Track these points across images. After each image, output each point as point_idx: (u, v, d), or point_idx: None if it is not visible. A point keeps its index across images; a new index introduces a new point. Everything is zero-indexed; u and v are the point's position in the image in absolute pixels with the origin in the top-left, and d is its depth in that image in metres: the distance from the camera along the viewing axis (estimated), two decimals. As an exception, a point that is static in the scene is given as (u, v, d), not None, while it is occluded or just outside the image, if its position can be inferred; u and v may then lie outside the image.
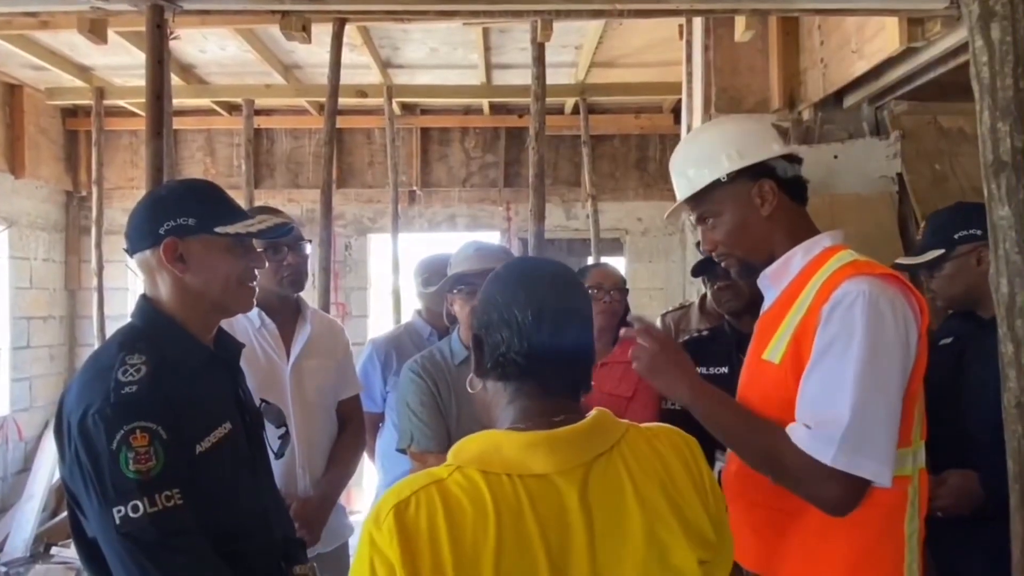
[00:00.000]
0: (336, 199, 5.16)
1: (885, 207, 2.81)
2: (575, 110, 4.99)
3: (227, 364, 1.28)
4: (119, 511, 1.00)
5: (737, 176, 1.24)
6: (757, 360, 1.23)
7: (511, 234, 5.41)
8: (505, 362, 0.85)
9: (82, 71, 4.41)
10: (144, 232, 1.18)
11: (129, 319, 1.22)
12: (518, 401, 0.86)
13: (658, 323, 2.72)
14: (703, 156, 1.29)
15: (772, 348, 1.19)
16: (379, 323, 5.41)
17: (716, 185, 1.25)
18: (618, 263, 5.90)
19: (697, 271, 2.03)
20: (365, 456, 2.18)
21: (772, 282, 1.28)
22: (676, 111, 4.94)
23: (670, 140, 5.26)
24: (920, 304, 1.14)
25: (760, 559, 1.22)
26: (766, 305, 1.31)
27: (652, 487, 0.82)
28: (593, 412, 0.86)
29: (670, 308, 2.77)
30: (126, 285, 5.10)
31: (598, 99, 4.96)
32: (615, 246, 5.53)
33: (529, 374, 0.85)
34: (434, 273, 2.24)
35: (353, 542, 1.95)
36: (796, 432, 1.09)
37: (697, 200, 1.30)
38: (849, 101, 3.04)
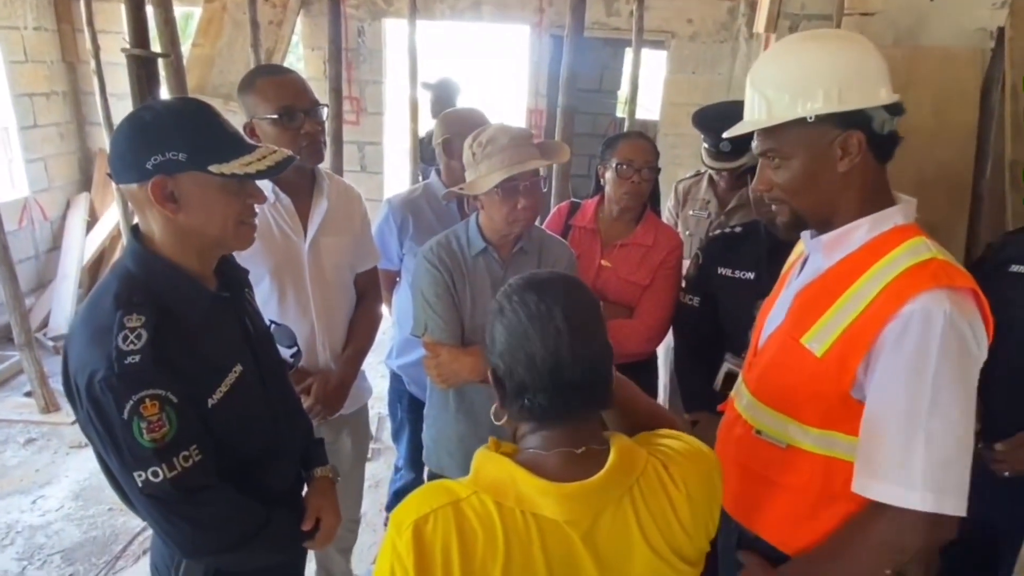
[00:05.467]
0: (347, -28, 4.58)
1: (972, 67, 2.45)
2: None
3: (232, 300, 1.22)
4: (139, 475, 1.02)
5: (826, 119, 1.05)
6: (793, 340, 1.13)
7: (542, 29, 4.87)
8: (532, 405, 0.86)
9: None
10: (129, 163, 1.05)
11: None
12: (542, 430, 0.88)
13: (671, 192, 2.58)
14: (795, 82, 1.06)
15: (815, 335, 1.09)
16: (395, 122, 5.15)
17: (797, 122, 1.06)
18: (659, 60, 5.38)
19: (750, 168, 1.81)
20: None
21: (825, 252, 1.14)
22: None
23: (739, -80, 4.46)
24: (987, 318, 1.03)
25: (740, 509, 1.26)
26: (810, 273, 1.18)
27: (657, 530, 0.84)
28: (611, 458, 0.85)
29: (687, 175, 2.61)
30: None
31: None
32: (658, 45, 5.00)
33: (552, 410, 0.86)
34: (456, 135, 2.04)
35: (376, 391, 2.08)
36: (868, 487, 1.02)
37: (767, 131, 1.11)
38: (968, -79, 2.49)
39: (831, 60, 1.06)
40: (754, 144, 1.16)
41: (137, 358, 1.00)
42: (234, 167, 1.06)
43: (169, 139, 1.03)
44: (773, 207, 1.19)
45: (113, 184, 4.34)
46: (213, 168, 1.05)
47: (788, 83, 1.07)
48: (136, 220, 1.13)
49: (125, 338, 1.00)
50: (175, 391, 1.03)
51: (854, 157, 1.06)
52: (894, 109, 1.07)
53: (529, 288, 0.86)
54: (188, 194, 1.06)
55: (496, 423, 0.92)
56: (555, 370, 0.82)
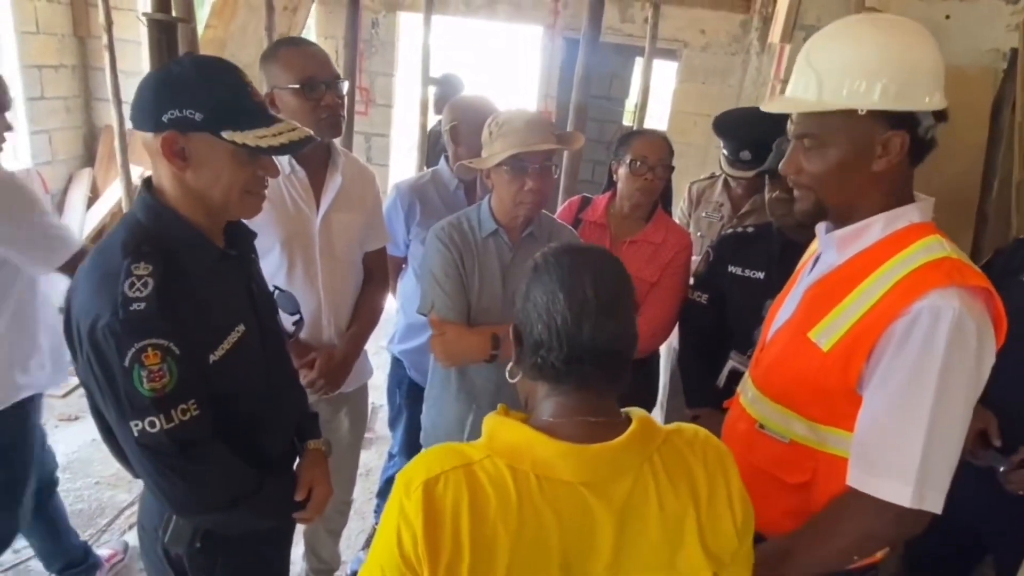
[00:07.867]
0: (365, -36, 4.59)
1: (984, 87, 2.48)
2: None
3: (239, 260, 1.21)
4: (136, 425, 1.01)
5: (876, 114, 1.01)
6: (800, 335, 1.12)
7: (556, 31, 4.89)
8: (544, 364, 0.85)
9: None
10: (147, 113, 1.04)
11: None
12: (555, 397, 0.86)
13: (684, 193, 2.59)
14: (854, 69, 1.01)
15: (823, 330, 1.08)
16: (404, 115, 5.15)
17: (846, 112, 1.02)
18: (669, 70, 5.40)
19: (766, 172, 1.79)
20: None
21: (839, 247, 1.13)
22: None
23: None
24: (1001, 319, 1.02)
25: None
26: (823, 268, 1.16)
27: (678, 505, 0.83)
28: (633, 424, 0.84)
29: (701, 176, 2.62)
30: (138, 38, 4.75)
31: None
32: (669, 56, 5.02)
33: (567, 377, 0.85)
34: (463, 122, 2.04)
35: (372, 380, 2.07)
36: (864, 482, 1.02)
37: (811, 114, 1.07)
38: (987, -58, 2.51)
39: (896, 54, 1.01)
40: (790, 125, 1.13)
41: (142, 305, 0.98)
42: (248, 137, 1.05)
43: (189, 96, 1.02)
44: (796, 192, 1.15)
45: (117, 161, 4.31)
46: (226, 134, 1.04)
47: (847, 68, 1.02)
48: (149, 173, 1.13)
49: (131, 285, 0.99)
50: (178, 343, 1.02)
51: (892, 158, 1.04)
52: (941, 115, 1.04)
53: (567, 252, 0.87)
54: (197, 154, 1.06)
55: (510, 380, 0.91)
56: (574, 334, 0.82)
